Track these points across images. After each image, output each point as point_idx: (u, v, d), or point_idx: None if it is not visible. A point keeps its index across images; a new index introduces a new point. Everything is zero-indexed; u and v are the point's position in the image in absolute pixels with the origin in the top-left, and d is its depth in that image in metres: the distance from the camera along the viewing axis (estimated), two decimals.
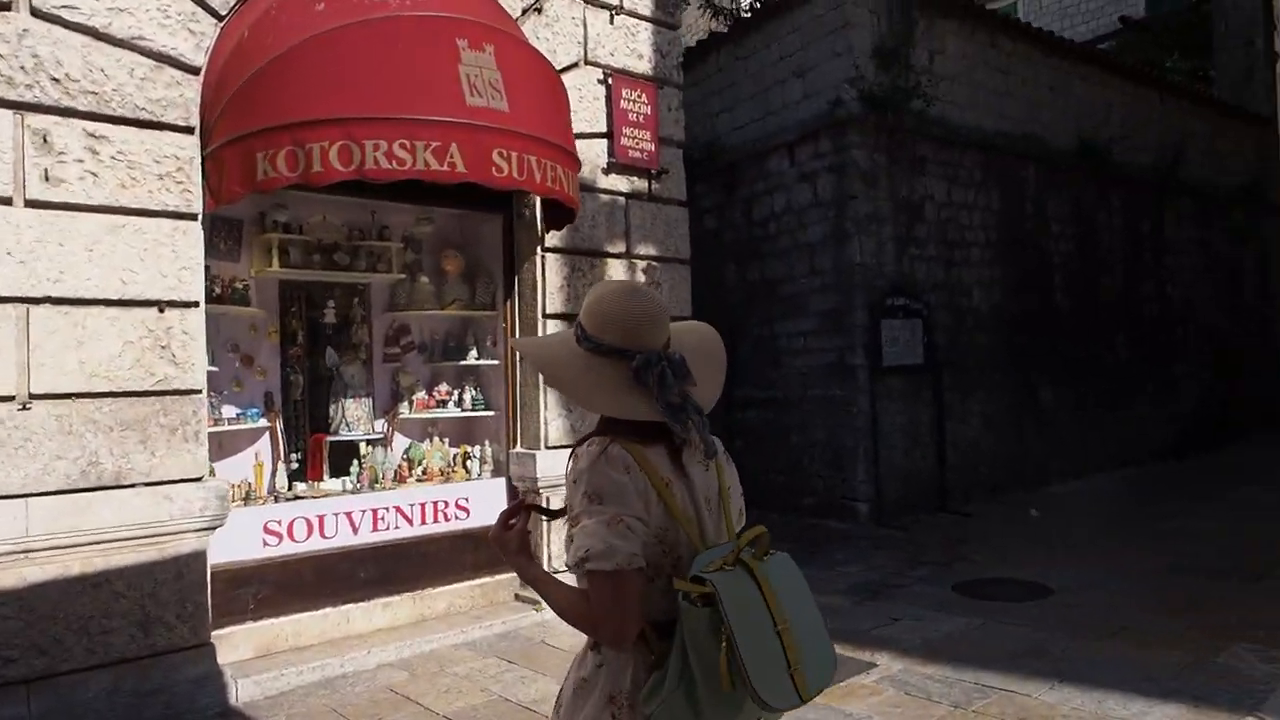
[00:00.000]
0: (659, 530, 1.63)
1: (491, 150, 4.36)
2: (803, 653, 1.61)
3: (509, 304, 6.01)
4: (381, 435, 5.79)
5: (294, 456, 5.59)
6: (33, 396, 3.95)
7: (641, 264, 6.39)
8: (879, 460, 8.28)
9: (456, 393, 6.17)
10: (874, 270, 8.43)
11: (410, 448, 5.91)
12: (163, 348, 4.30)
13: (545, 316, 5.85)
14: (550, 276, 5.86)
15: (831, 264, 8.57)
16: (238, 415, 5.23)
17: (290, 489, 5.33)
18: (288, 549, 5.03)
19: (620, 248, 6.25)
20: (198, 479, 4.37)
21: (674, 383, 1.65)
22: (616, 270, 6.23)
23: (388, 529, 5.43)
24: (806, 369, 8.81)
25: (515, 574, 4.78)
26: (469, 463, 6.06)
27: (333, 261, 5.67)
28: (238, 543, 4.75)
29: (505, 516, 1.81)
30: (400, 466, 5.74)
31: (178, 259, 4.35)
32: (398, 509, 5.48)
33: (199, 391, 4.42)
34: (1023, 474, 9.76)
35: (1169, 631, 4.96)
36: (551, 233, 5.86)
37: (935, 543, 7.47)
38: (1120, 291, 11.39)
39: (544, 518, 1.97)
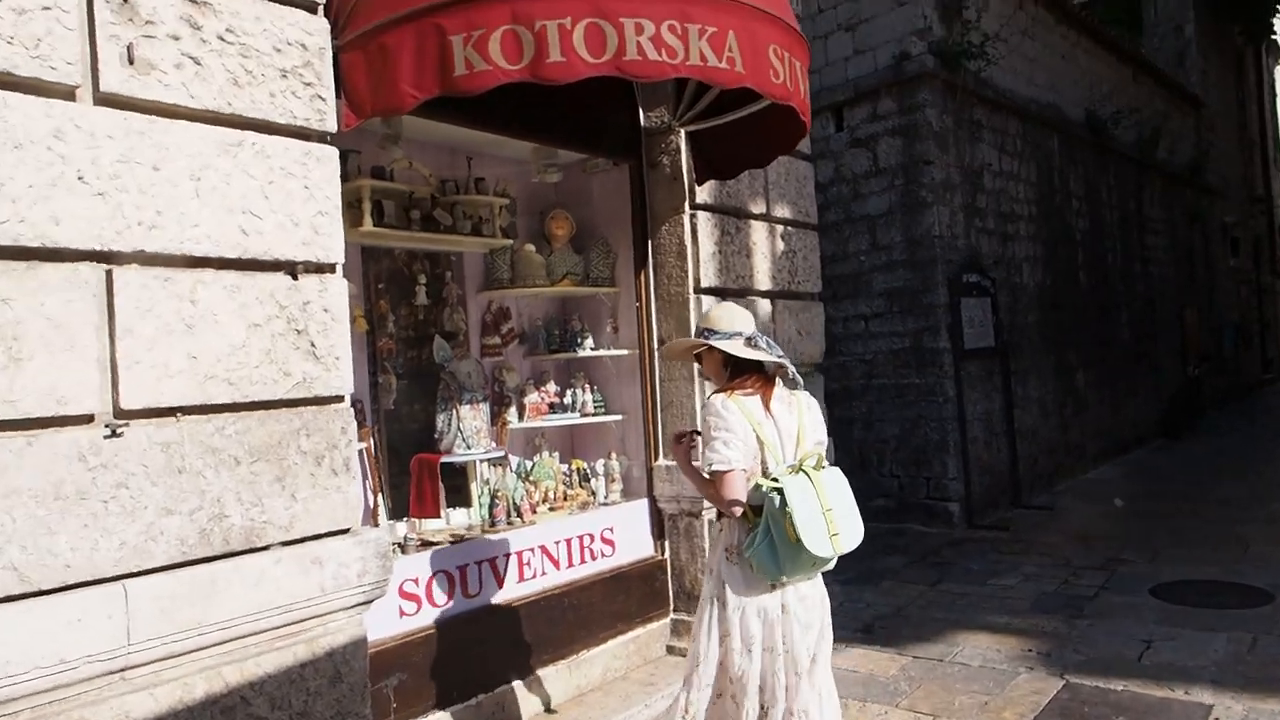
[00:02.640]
0: (754, 451, 2.65)
1: (768, 46, 3.11)
2: (839, 525, 2.59)
3: (642, 277, 4.71)
4: (502, 453, 4.38)
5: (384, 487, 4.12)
6: (124, 414, 2.41)
7: (780, 229, 5.25)
8: (967, 454, 7.46)
9: (570, 393, 4.83)
10: (949, 244, 7.61)
11: (532, 467, 4.53)
12: (298, 333, 2.81)
13: (699, 291, 4.61)
14: (703, 241, 4.63)
15: (901, 237, 7.68)
16: None
17: (396, 531, 3.88)
18: (428, 616, 3.59)
19: (760, 207, 5.09)
20: (347, 530, 2.92)
21: (772, 344, 2.77)
22: (759, 235, 5.07)
23: (534, 576, 4.06)
24: (871, 356, 7.90)
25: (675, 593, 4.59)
26: (591, 481, 4.74)
27: (432, 221, 4.22)
28: (370, 614, 3.29)
29: (676, 435, 2.96)
30: (527, 492, 4.36)
31: (311, 198, 2.87)
32: (543, 550, 4.11)
33: (344, 399, 2.96)
34: (1067, 462, 9.24)
35: None
36: (703, 186, 4.63)
37: (1059, 543, 6.71)
38: (1120, 270, 11.16)
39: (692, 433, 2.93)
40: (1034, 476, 8.47)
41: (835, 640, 4.95)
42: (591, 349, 4.83)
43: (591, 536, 4.36)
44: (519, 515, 4.14)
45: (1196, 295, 13.99)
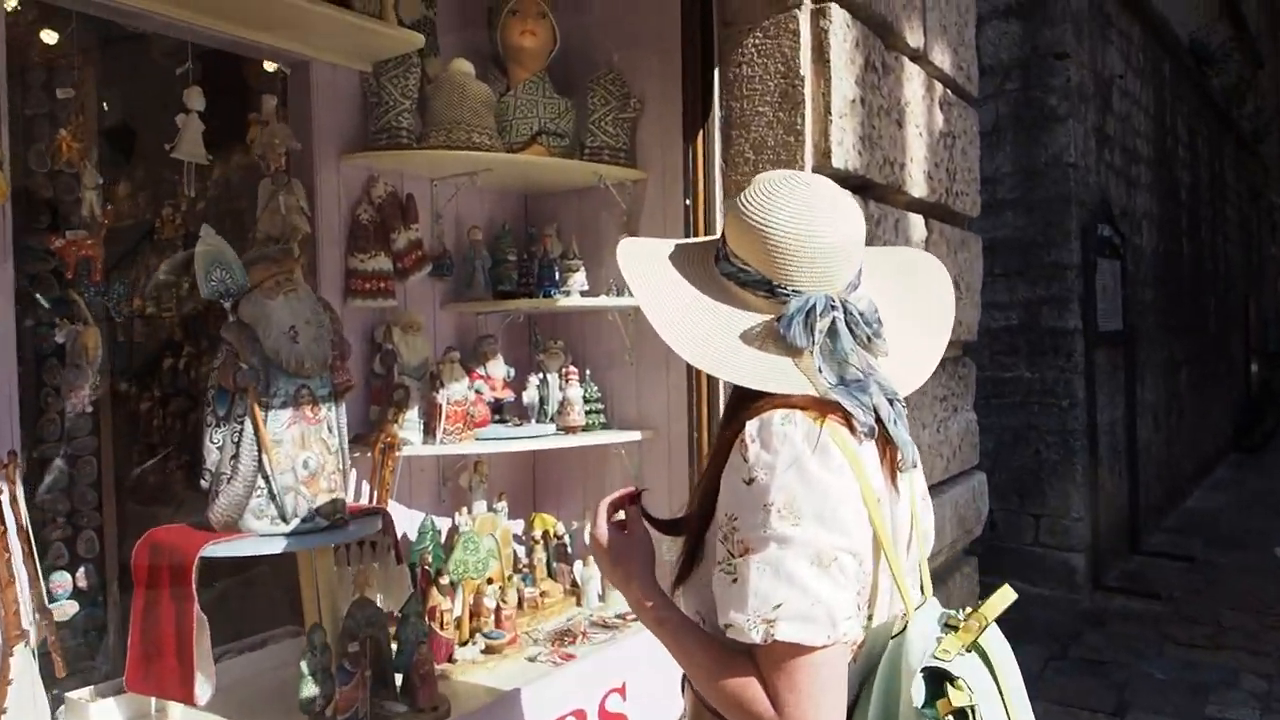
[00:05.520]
0: (869, 572, 0.95)
1: None
2: None
3: (697, 148, 2.24)
4: (377, 521, 1.87)
5: (65, 601, 1.61)
6: None
7: (939, 90, 2.83)
8: (1096, 482, 5.18)
9: (539, 382, 2.36)
10: (1082, 180, 5.27)
11: (451, 544, 2.04)
12: None
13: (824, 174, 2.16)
14: (837, 71, 2.17)
15: (1012, 165, 5.32)
16: None
17: None
18: None
19: (917, 38, 2.66)
20: None
21: (853, 346, 0.97)
22: (914, 90, 2.64)
23: None
24: None
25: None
26: (575, 570, 2.29)
27: None
28: None
29: (611, 507, 1.11)
30: (432, 605, 1.88)
31: None
32: None
33: None
34: (1172, 485, 7.07)
35: None
36: None
37: (1252, 626, 4.46)
38: (1209, 244, 9.02)
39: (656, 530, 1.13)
40: (1147, 509, 6.26)
41: None
42: (584, 293, 2.35)
43: (581, 716, 1.90)
44: (406, 687, 1.65)
45: (1256, 283, 12.02)
